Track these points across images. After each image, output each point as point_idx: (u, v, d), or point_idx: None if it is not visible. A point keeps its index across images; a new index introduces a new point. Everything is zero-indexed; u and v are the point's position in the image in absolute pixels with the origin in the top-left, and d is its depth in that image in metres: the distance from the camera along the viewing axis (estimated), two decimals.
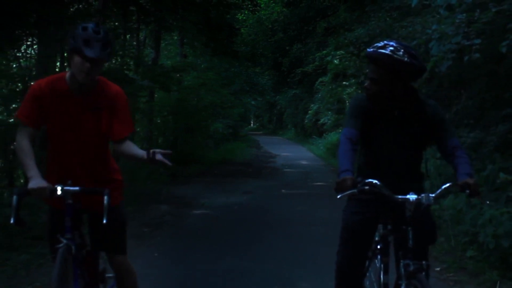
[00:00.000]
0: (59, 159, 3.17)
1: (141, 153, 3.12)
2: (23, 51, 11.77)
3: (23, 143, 3.02)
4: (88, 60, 2.91)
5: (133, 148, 3.20)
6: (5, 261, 5.43)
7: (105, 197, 2.92)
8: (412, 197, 2.82)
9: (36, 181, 2.90)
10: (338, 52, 19.20)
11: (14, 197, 2.88)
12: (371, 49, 3.02)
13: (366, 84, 3.08)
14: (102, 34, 2.95)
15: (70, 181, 3.04)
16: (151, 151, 3.05)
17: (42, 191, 2.89)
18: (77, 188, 2.98)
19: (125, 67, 12.77)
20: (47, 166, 3.25)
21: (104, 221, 2.91)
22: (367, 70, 3.08)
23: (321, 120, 26.41)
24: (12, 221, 2.87)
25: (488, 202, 5.28)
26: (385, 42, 3.00)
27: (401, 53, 2.90)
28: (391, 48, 2.92)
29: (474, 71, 7.60)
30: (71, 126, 3.09)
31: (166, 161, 3.05)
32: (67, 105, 3.08)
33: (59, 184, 2.97)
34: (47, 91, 3.06)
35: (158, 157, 3.03)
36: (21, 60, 11.74)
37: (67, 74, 3.11)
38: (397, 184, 3.01)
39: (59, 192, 2.94)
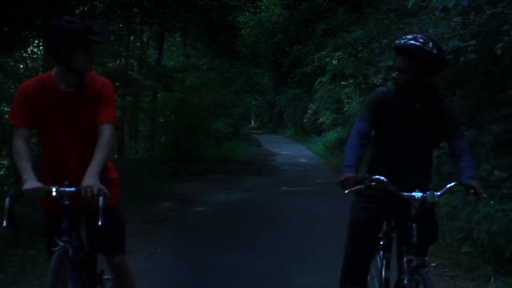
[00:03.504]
0: (54, 159, 3.04)
1: (90, 168, 2.87)
2: (29, 52, 11.76)
3: (18, 146, 2.89)
4: (91, 49, 2.90)
5: (97, 150, 2.93)
6: (12, 257, 5.43)
7: (100, 198, 2.77)
8: (417, 194, 2.84)
9: (31, 183, 2.78)
10: (336, 53, 19.19)
11: (7, 199, 2.74)
12: (402, 41, 3.06)
13: (394, 75, 3.08)
14: (82, 19, 2.91)
15: (66, 182, 2.90)
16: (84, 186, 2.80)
17: (37, 192, 2.77)
18: (72, 188, 2.84)
19: (129, 68, 12.77)
20: (41, 168, 3.13)
21: (100, 223, 2.76)
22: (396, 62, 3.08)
23: (320, 119, 26.42)
24: (4, 224, 2.73)
25: (492, 202, 5.25)
26: (415, 34, 3.07)
27: (430, 45, 2.97)
28: (421, 40, 2.98)
29: (469, 71, 7.58)
30: (67, 122, 2.98)
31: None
32: (60, 101, 2.97)
33: (54, 185, 2.84)
34: (36, 90, 2.95)
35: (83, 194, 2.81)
36: (27, 61, 11.74)
37: (53, 72, 3.00)
38: (405, 177, 3.04)
39: (54, 193, 2.81)
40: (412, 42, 2.98)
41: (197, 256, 5.87)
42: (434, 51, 2.96)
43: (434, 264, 5.48)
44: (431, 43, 2.98)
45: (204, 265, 5.52)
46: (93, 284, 3.24)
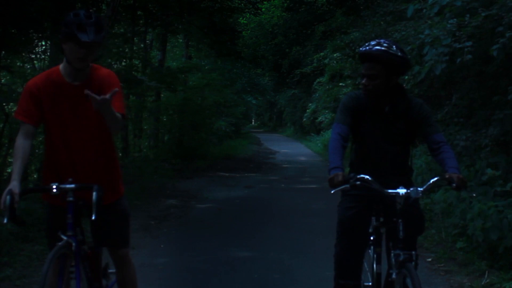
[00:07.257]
0: (60, 155, 2.98)
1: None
2: (38, 52, 11.74)
3: (18, 143, 2.86)
4: (83, 45, 2.78)
5: None
6: (20, 251, 5.42)
7: (94, 193, 2.76)
8: (401, 191, 2.85)
9: (9, 186, 2.72)
10: (335, 55, 19.16)
11: (8, 197, 2.69)
12: (366, 48, 3.05)
13: (363, 81, 3.07)
14: (94, 18, 2.81)
15: (71, 179, 2.87)
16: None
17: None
18: (72, 185, 2.83)
19: (133, 69, 12.75)
20: (45, 165, 3.09)
21: (93, 217, 2.75)
22: (363, 69, 3.09)
23: (319, 119, 26.33)
24: (5, 221, 2.68)
25: (474, 195, 5.26)
26: (376, 40, 3.07)
27: (394, 48, 2.98)
28: (385, 44, 3.00)
29: (464, 72, 7.56)
30: (74, 115, 2.94)
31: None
32: (67, 95, 2.92)
33: (58, 182, 2.81)
34: (43, 85, 2.91)
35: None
36: (35, 62, 11.73)
37: (61, 66, 2.97)
38: (387, 178, 3.03)
39: (54, 190, 2.79)
40: (377, 47, 2.98)
41: (200, 250, 5.86)
42: (399, 54, 2.97)
43: (429, 259, 5.49)
44: (394, 46, 3.00)
45: (206, 259, 5.51)
46: (98, 278, 3.21)
